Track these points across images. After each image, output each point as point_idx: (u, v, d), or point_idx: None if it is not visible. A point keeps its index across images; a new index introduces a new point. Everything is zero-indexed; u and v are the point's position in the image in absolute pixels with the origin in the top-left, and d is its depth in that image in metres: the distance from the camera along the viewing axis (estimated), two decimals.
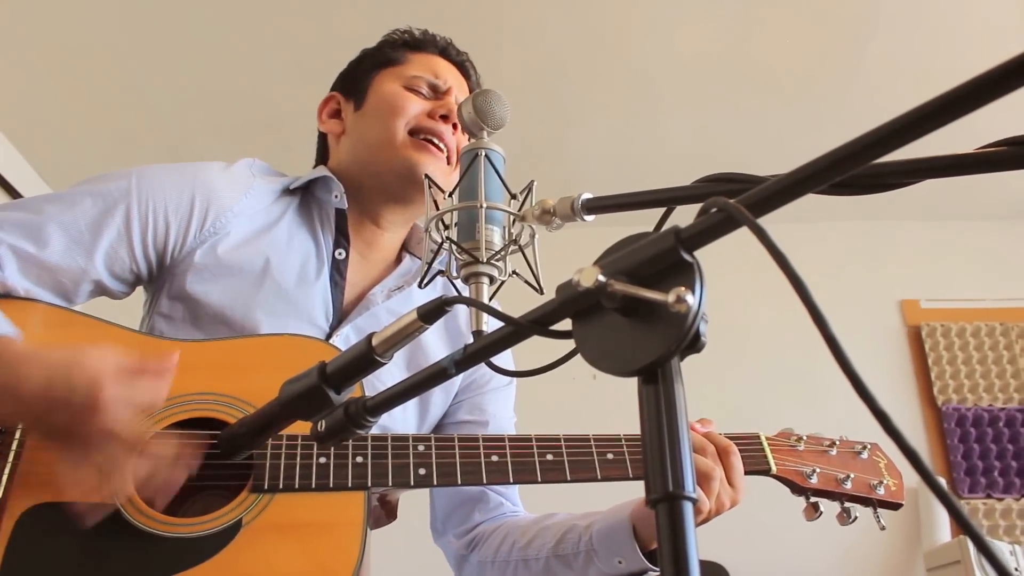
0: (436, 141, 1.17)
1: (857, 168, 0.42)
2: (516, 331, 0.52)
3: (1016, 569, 2.61)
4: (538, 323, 0.50)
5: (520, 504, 1.25)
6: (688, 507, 0.42)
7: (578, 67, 2.85)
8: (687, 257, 0.45)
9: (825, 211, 3.55)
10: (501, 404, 1.27)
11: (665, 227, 0.48)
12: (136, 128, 3.09)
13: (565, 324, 0.52)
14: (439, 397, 1.21)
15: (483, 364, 1.27)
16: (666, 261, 0.45)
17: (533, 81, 2.90)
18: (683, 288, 0.42)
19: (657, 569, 1.01)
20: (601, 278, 0.45)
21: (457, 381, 1.24)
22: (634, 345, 0.45)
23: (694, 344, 0.46)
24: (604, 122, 3.15)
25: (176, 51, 2.74)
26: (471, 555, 1.19)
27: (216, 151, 3.12)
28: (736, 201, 0.43)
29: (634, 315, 0.46)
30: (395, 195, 1.20)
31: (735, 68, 2.86)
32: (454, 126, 1.18)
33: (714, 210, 0.44)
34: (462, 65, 1.29)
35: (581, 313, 0.48)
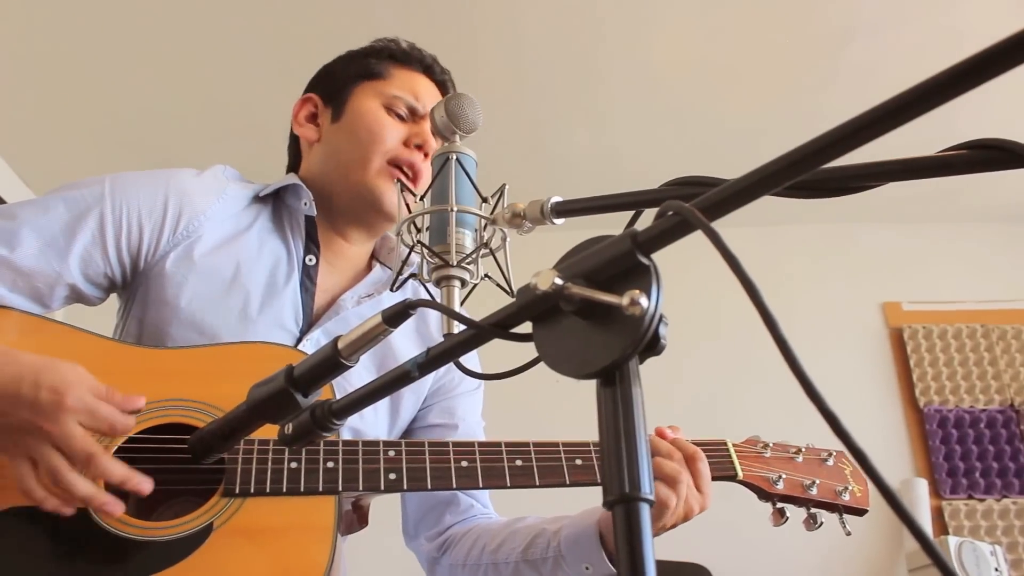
0: (406, 170, 1.17)
1: (812, 171, 0.42)
2: (477, 334, 0.52)
3: (996, 569, 2.63)
4: (498, 326, 0.50)
5: (491, 507, 1.26)
6: (645, 508, 0.42)
7: (555, 71, 2.86)
8: (644, 260, 0.45)
9: (807, 214, 3.58)
10: (470, 408, 1.28)
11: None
12: (121, 134, 3.08)
13: (528, 327, 0.52)
14: (409, 401, 1.21)
15: (452, 368, 1.27)
16: (624, 264, 0.45)
17: (509, 86, 2.91)
18: (637, 291, 0.42)
19: None
20: (558, 281, 0.45)
21: (427, 385, 1.24)
22: (592, 348, 0.45)
23: (653, 346, 0.46)
24: (582, 126, 3.16)
25: (160, 57, 2.73)
26: (443, 558, 1.19)
27: (202, 158, 3.10)
28: (691, 204, 0.43)
29: (592, 318, 0.46)
30: (359, 219, 1.21)
31: (713, 73, 2.87)
32: (425, 154, 1.18)
33: (670, 213, 0.44)
34: (443, 84, 1.28)
35: (541, 316, 0.49)
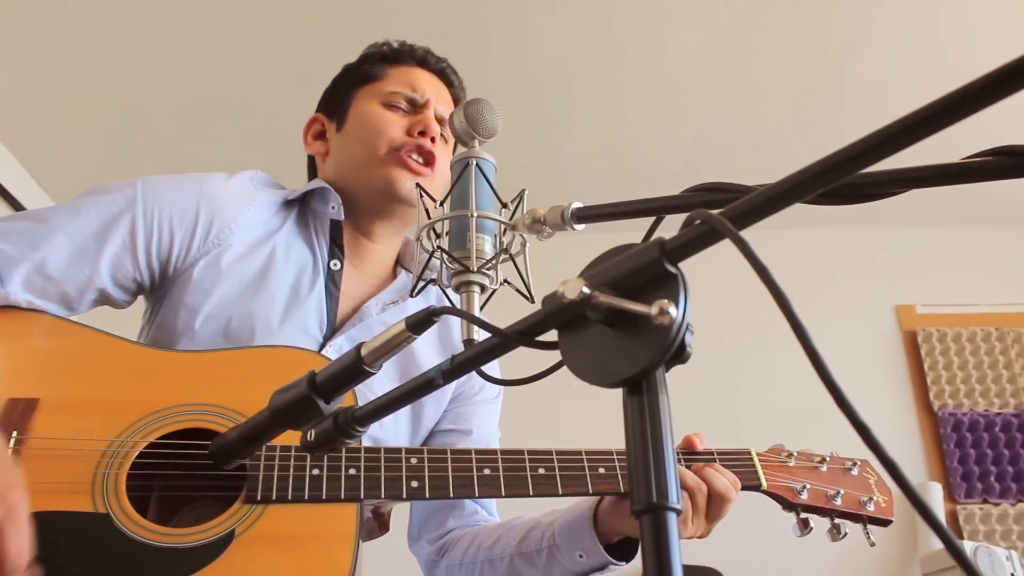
0: (416, 156, 1.17)
1: (842, 179, 0.42)
2: (502, 342, 0.52)
3: (1012, 574, 2.61)
4: (524, 334, 0.50)
5: (496, 513, 1.25)
6: (672, 518, 0.42)
7: (571, 75, 2.86)
8: (671, 269, 0.45)
9: (821, 217, 3.56)
10: (486, 417, 1.27)
11: (655, 236, 0.48)
12: (134, 135, 3.09)
13: (552, 335, 0.52)
14: (431, 408, 1.21)
15: (473, 375, 1.27)
16: (651, 273, 0.45)
17: (526, 90, 2.91)
18: (666, 300, 0.42)
19: (618, 563, 1.01)
20: (585, 290, 0.45)
21: (448, 392, 1.24)
22: (618, 356, 0.45)
23: (679, 355, 0.46)
24: (598, 131, 3.15)
25: (176, 59, 2.74)
26: (441, 560, 1.19)
27: (216, 159, 3.13)
28: (720, 213, 0.43)
29: (619, 326, 0.46)
30: (381, 210, 1.22)
31: (729, 76, 2.86)
32: (432, 139, 1.19)
33: (698, 222, 0.44)
34: (442, 72, 1.29)
35: (567, 324, 0.48)
